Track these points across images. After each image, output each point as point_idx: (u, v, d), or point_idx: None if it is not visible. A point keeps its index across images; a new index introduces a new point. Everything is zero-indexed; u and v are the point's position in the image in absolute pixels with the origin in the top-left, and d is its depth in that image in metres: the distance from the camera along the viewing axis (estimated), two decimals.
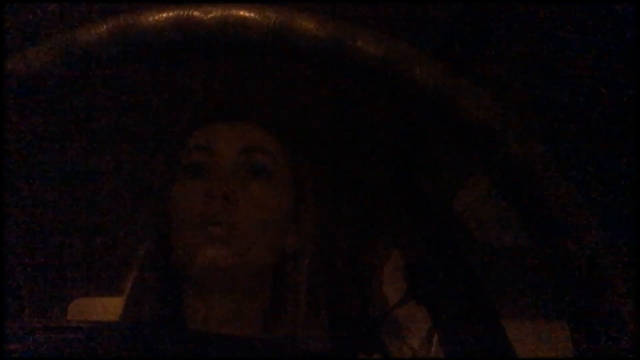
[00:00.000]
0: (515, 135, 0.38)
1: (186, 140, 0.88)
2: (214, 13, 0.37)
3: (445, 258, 1.25)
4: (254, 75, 0.96)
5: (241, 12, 0.37)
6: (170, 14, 0.37)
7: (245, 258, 0.80)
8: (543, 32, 0.87)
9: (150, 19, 0.37)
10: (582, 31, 0.83)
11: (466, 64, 0.93)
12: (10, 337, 0.38)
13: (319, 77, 0.84)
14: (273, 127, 0.88)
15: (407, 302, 1.32)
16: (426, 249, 1.30)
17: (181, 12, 0.37)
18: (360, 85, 0.40)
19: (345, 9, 0.79)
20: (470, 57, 0.93)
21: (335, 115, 1.08)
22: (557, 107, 0.94)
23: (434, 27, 0.89)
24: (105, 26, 0.38)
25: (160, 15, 0.37)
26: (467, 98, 0.38)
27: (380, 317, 1.56)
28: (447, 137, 0.39)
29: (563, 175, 0.38)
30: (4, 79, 0.37)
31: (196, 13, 0.37)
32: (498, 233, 1.30)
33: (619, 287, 0.38)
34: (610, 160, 0.87)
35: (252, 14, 0.37)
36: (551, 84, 0.93)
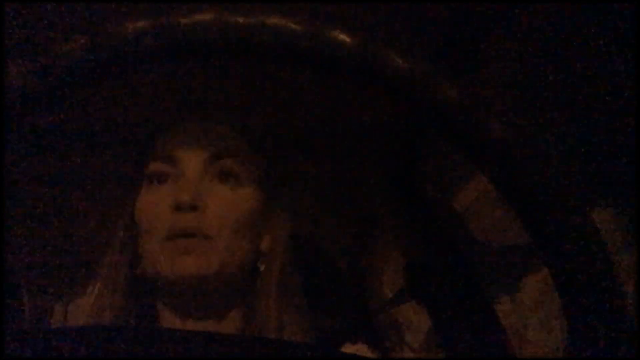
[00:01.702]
0: (496, 118, 0.37)
1: (152, 146, 0.84)
2: (196, 16, 0.38)
3: (445, 258, 1.25)
4: (227, 74, 0.94)
5: (212, 13, 0.38)
6: (147, 21, 0.38)
7: (220, 265, 0.78)
8: (543, 31, 0.87)
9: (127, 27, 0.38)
10: (582, 30, 0.83)
11: (466, 64, 0.93)
12: (10, 337, 0.38)
13: (316, 78, 0.83)
14: (244, 130, 0.86)
15: (406, 301, 1.32)
16: (426, 249, 1.30)
17: (158, 19, 0.38)
18: (337, 75, 0.40)
19: (344, 8, 0.79)
20: (470, 57, 0.93)
21: (335, 116, 1.08)
22: (556, 105, 0.94)
23: (433, 28, 0.89)
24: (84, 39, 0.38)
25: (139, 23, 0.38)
26: (444, 82, 0.38)
27: (377, 310, 1.56)
28: (426, 122, 0.39)
29: (563, 172, 0.38)
30: (4, 82, 0.37)
31: (171, 18, 0.38)
32: (498, 233, 1.30)
33: (621, 286, 0.38)
34: (611, 155, 0.87)
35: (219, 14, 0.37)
36: (550, 82, 0.93)
